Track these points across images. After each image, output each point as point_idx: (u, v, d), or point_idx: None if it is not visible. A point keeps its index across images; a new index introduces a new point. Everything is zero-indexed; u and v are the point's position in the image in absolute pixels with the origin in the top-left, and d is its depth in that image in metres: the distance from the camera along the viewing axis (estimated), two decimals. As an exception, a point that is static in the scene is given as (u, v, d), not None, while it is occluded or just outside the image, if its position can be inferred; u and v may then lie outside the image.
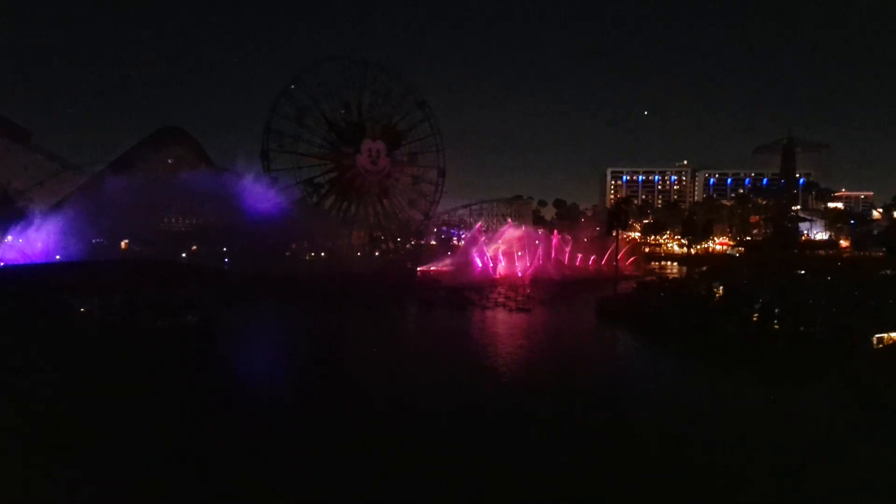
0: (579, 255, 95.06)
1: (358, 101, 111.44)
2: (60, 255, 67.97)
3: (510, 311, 53.97)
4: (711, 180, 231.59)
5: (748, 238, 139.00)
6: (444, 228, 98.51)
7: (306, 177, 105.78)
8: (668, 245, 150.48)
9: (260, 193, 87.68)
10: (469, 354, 36.57)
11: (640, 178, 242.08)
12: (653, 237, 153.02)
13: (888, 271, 61.60)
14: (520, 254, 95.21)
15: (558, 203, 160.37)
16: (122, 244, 78.39)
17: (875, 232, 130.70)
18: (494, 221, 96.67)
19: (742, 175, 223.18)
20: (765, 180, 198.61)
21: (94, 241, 76.55)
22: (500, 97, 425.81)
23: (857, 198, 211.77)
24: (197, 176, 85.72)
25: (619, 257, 73.11)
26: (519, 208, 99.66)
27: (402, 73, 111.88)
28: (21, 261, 64.63)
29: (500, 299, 59.62)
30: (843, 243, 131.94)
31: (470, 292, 63.09)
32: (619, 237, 76.83)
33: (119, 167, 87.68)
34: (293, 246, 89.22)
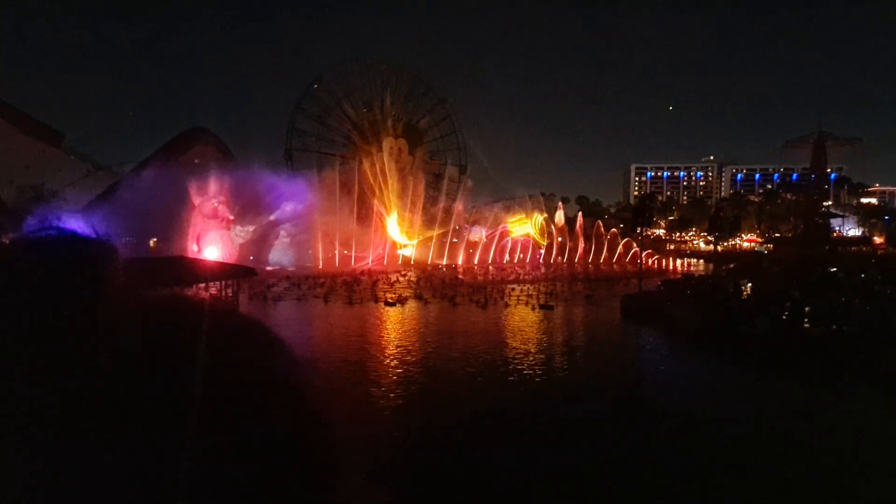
0: (603, 253, 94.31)
1: (380, 100, 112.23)
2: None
3: (532, 308, 53.84)
4: (739, 176, 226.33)
5: (777, 234, 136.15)
6: (466, 226, 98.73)
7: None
8: (694, 242, 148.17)
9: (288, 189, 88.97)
10: (491, 353, 36.44)
11: (665, 174, 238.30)
12: (678, 234, 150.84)
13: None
14: (542, 251, 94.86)
15: (581, 200, 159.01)
16: (151, 242, 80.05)
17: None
18: (516, 218, 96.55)
19: (770, 170, 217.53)
20: (794, 175, 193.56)
21: (123, 239, 78.20)
22: (523, 94, 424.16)
23: (892, 193, 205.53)
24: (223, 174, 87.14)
25: (643, 255, 72.34)
26: (540, 206, 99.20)
27: (423, 71, 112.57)
28: None
29: (522, 297, 59.74)
30: (878, 240, 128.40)
31: (491, 291, 63.32)
32: (644, 234, 75.97)
33: (147, 167, 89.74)
34: None
